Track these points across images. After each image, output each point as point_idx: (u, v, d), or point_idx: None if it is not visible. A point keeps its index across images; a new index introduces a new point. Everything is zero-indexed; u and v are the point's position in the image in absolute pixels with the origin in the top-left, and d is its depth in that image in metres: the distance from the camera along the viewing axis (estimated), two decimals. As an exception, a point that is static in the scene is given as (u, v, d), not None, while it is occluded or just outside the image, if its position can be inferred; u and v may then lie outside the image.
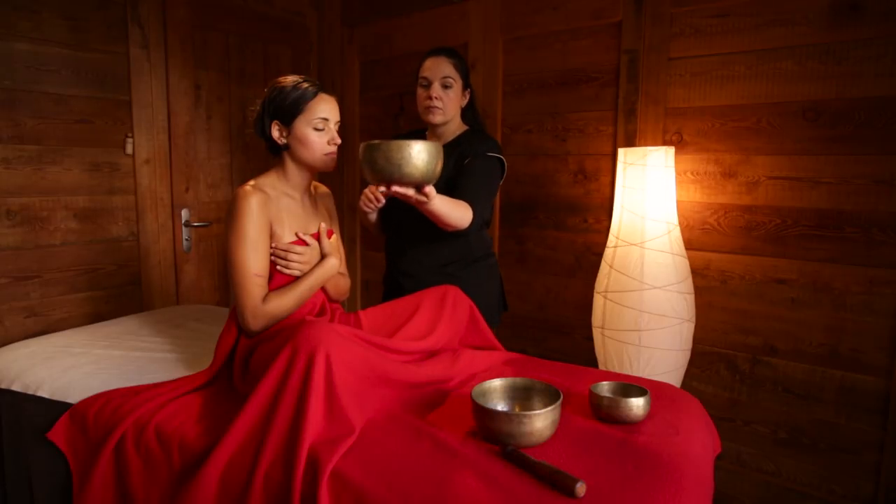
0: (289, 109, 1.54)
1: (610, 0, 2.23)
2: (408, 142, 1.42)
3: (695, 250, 2.12)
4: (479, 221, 1.77)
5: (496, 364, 1.67)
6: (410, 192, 1.49)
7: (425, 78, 1.89)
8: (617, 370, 1.97)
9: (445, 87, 1.87)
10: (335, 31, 3.06)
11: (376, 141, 1.44)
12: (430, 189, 1.51)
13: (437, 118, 1.89)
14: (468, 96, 1.97)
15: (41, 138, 2.11)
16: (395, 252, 2.00)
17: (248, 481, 1.18)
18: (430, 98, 1.87)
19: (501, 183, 1.95)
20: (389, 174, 1.44)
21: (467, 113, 2.00)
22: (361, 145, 1.46)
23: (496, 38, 2.54)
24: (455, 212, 1.66)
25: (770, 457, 2.05)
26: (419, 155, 1.42)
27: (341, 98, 1.59)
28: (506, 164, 1.91)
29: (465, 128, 1.99)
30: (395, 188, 1.47)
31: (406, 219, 1.88)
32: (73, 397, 1.54)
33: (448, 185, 1.82)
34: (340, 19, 3.05)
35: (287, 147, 1.58)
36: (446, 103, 1.88)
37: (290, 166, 1.60)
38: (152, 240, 2.46)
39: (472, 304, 1.75)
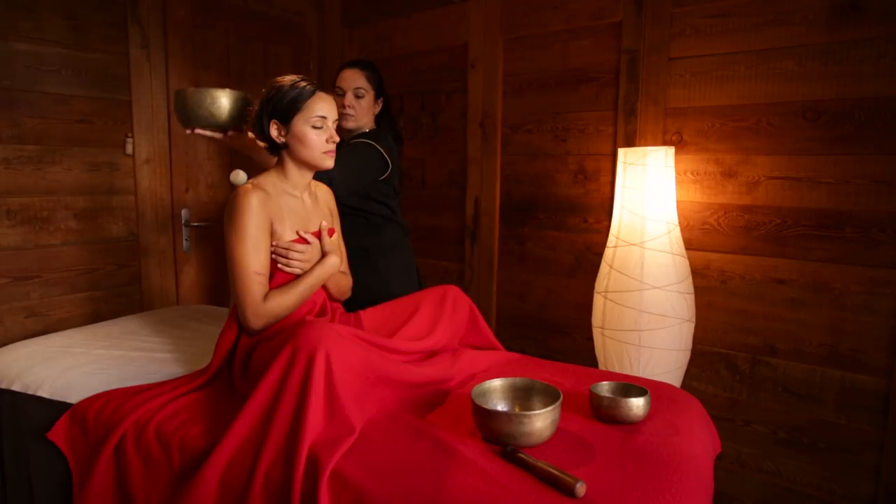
0: (287, 108, 1.54)
1: (610, 0, 2.23)
2: (201, 90, 1.61)
3: (695, 250, 2.12)
4: (343, 186, 1.85)
5: (496, 364, 1.67)
6: (218, 135, 1.66)
7: (340, 87, 2.06)
8: (617, 370, 1.97)
9: (357, 97, 2.05)
10: (335, 31, 3.06)
11: (178, 89, 1.65)
12: (234, 133, 1.67)
13: (349, 124, 2.06)
14: (381, 104, 2.13)
15: (41, 138, 2.11)
16: None
17: (248, 481, 1.18)
18: (343, 106, 2.04)
19: (386, 176, 2.01)
20: (188, 120, 1.63)
21: (382, 118, 2.15)
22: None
23: (496, 38, 2.54)
24: None
25: (770, 457, 2.05)
26: (203, 103, 1.61)
27: (341, 98, 1.62)
28: (385, 155, 1.98)
29: (372, 127, 2.13)
30: (199, 131, 1.65)
31: None
32: (73, 397, 1.54)
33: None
34: (340, 19, 3.05)
35: (286, 146, 1.58)
36: (357, 111, 2.05)
37: (290, 165, 1.60)
38: (152, 240, 2.46)
39: (471, 304, 1.75)
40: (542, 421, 1.18)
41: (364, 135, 2.05)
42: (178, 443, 1.32)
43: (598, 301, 2.05)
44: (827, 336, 1.92)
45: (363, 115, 2.07)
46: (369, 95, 2.07)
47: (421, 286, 2.20)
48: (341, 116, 2.03)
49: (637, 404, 1.31)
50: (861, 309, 1.86)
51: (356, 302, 1.81)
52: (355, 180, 1.92)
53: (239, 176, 1.71)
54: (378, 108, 2.12)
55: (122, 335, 1.99)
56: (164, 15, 2.41)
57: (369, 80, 2.07)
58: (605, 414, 1.33)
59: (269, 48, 2.85)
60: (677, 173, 2.11)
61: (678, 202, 2.10)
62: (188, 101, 1.61)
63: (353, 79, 2.05)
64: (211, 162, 2.66)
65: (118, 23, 2.29)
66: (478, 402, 1.24)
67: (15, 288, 2.09)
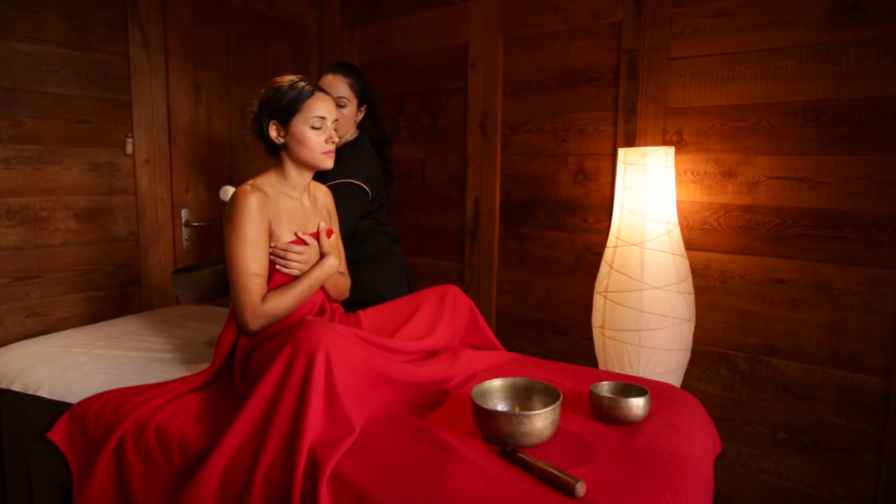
0: (286, 109, 1.54)
1: (610, 0, 2.23)
2: (177, 277, 1.75)
3: (695, 250, 2.12)
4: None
5: (496, 364, 1.67)
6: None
7: None
8: (617, 370, 1.97)
9: (339, 106, 1.95)
10: (335, 31, 3.06)
11: (172, 272, 1.81)
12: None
13: None
14: (364, 111, 2.06)
15: (41, 138, 2.11)
16: None
17: (248, 481, 1.18)
18: None
19: (372, 197, 1.98)
20: (181, 293, 1.77)
21: (366, 122, 2.09)
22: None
23: (496, 38, 2.54)
24: None
25: (770, 457, 2.05)
26: (191, 284, 1.73)
27: (341, 98, 1.61)
28: (365, 186, 1.94)
29: (356, 133, 2.08)
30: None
31: None
32: (73, 397, 1.54)
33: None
34: (340, 19, 3.05)
35: (285, 147, 1.58)
36: (339, 121, 1.97)
37: (289, 166, 1.60)
38: (152, 240, 2.46)
39: (471, 303, 1.75)
40: (542, 421, 1.18)
41: (341, 162, 1.93)
42: (178, 443, 1.32)
43: (598, 301, 2.05)
44: (827, 336, 1.92)
45: (344, 125, 2.00)
46: (351, 105, 2.00)
47: (411, 291, 2.17)
48: None
49: (637, 404, 1.31)
50: (861, 309, 1.86)
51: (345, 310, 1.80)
52: (347, 226, 1.90)
53: (228, 193, 1.73)
54: (361, 115, 2.06)
55: (122, 335, 1.99)
56: (163, 15, 2.41)
57: (352, 87, 1.99)
58: (605, 414, 1.33)
59: (269, 48, 2.85)
60: (677, 173, 2.11)
61: (678, 202, 2.10)
62: (178, 283, 1.76)
63: (335, 87, 1.97)
64: (211, 162, 2.66)
65: (118, 23, 2.29)
66: (478, 402, 1.24)
67: (15, 288, 2.09)
